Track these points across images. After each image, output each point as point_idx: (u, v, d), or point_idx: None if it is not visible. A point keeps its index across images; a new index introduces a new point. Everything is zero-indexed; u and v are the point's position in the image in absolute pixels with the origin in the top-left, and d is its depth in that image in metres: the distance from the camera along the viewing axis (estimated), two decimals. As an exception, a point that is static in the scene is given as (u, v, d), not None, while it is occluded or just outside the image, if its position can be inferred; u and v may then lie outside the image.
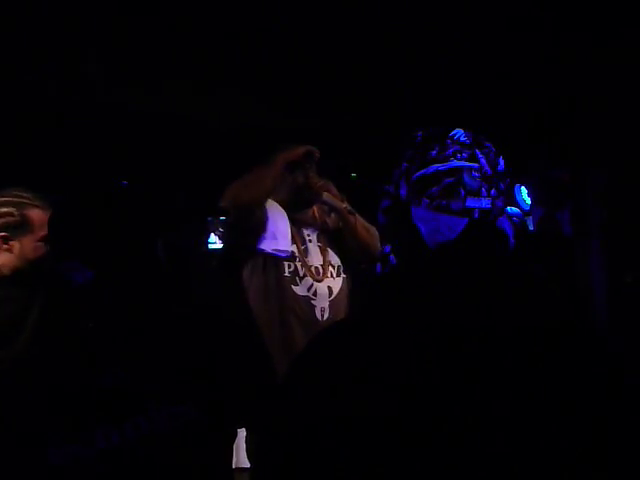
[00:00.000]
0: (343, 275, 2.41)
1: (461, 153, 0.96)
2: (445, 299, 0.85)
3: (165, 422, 1.04)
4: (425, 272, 0.92)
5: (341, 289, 2.38)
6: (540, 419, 0.75)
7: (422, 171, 0.96)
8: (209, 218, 3.12)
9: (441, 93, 3.61)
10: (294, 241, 2.36)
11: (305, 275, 2.34)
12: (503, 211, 0.98)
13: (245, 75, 3.80)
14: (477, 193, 0.95)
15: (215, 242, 3.21)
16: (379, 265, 1.04)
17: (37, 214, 1.68)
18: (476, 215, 0.94)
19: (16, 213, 1.68)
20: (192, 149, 4.22)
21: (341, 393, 0.79)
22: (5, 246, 1.67)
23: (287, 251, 2.31)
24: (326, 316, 2.33)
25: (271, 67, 3.71)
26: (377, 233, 2.33)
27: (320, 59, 3.72)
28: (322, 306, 2.34)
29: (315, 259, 2.39)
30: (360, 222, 2.39)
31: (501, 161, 0.99)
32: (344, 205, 2.37)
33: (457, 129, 1.00)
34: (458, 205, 0.94)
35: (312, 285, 2.34)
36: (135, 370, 1.07)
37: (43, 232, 1.64)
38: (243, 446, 2.82)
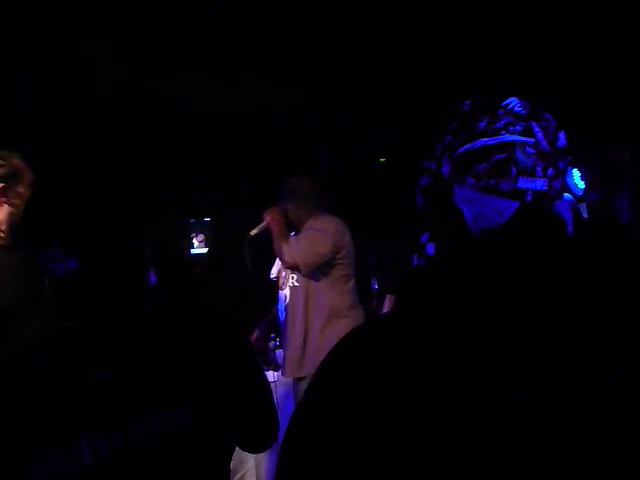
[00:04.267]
0: (295, 284, 3.35)
1: (514, 126, 0.94)
2: (491, 296, 0.83)
3: (158, 429, 1.04)
4: (467, 263, 0.90)
5: (291, 295, 3.36)
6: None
7: (468, 146, 0.94)
8: (192, 220, 3.17)
9: (483, 67, 3.58)
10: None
11: (279, 289, 3.50)
12: (561, 194, 0.96)
13: (264, 58, 3.80)
14: (531, 172, 0.92)
15: (200, 246, 3.22)
16: (415, 257, 1.02)
17: (18, 161, 1.90)
18: (529, 198, 0.92)
19: (4, 163, 1.86)
20: (182, 143, 4.24)
21: (368, 403, 0.78)
22: (3, 199, 1.84)
23: (273, 275, 3.63)
24: (283, 318, 3.42)
25: (294, 49, 3.72)
26: (283, 248, 3.25)
27: (346, 41, 3.71)
28: (281, 310, 3.45)
29: (283, 272, 3.47)
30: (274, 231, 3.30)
31: (562, 136, 0.97)
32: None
33: (511, 97, 0.97)
34: (509, 186, 0.92)
35: (279, 293, 3.49)
36: (124, 372, 1.07)
37: (30, 177, 1.86)
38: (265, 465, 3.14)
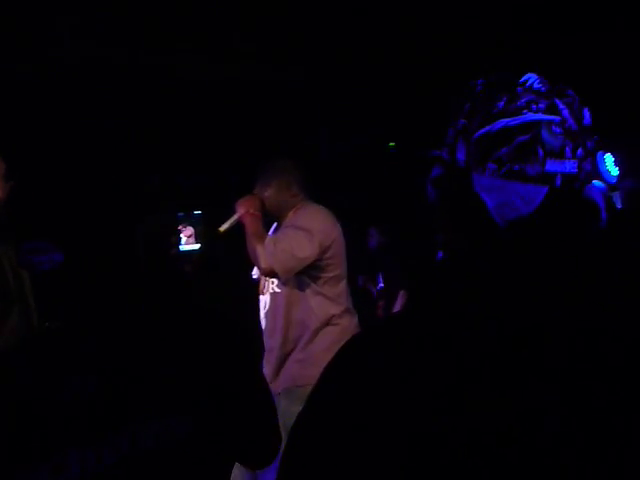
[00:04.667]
0: (276, 290, 2.99)
1: (537, 103, 0.88)
2: (521, 293, 0.79)
3: (152, 440, 1.00)
4: (493, 258, 0.85)
5: (271, 301, 3.01)
6: None
7: (486, 128, 0.89)
8: (180, 214, 2.97)
9: (500, 42, 3.49)
10: None
11: (259, 293, 3.14)
12: (591, 177, 0.91)
13: (260, 33, 3.72)
14: (560, 154, 0.87)
15: (189, 242, 3.02)
16: (440, 252, 0.97)
17: None
18: (558, 182, 0.87)
19: None
20: (172, 125, 4.10)
21: (379, 413, 0.74)
22: None
23: (253, 275, 3.18)
24: (264, 325, 3.06)
25: (293, 23, 3.64)
26: (258, 250, 2.86)
27: (354, 22, 3.64)
28: (262, 317, 3.08)
29: (262, 277, 3.11)
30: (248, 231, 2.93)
31: (586, 113, 0.91)
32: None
33: (529, 74, 0.91)
34: (535, 170, 0.86)
35: (259, 299, 3.13)
36: (113, 378, 1.02)
37: (2, 167, 1.78)
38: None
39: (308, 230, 2.84)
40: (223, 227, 2.92)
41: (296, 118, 4.35)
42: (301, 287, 2.92)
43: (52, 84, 3.71)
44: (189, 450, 1.03)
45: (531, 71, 0.92)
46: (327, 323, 2.90)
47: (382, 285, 5.03)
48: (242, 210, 2.91)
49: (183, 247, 2.86)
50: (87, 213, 1.06)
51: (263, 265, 2.83)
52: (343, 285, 3.00)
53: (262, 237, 2.88)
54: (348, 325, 2.93)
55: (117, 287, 1.09)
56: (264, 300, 3.07)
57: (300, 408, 0.81)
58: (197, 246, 2.91)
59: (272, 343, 2.97)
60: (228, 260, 3.08)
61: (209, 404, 1.07)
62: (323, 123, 4.26)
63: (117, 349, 1.06)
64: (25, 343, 1.10)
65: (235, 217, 2.92)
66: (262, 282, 3.11)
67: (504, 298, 0.79)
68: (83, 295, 1.05)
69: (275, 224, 3.10)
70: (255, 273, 3.16)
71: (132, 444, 0.99)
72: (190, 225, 2.92)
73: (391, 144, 4.24)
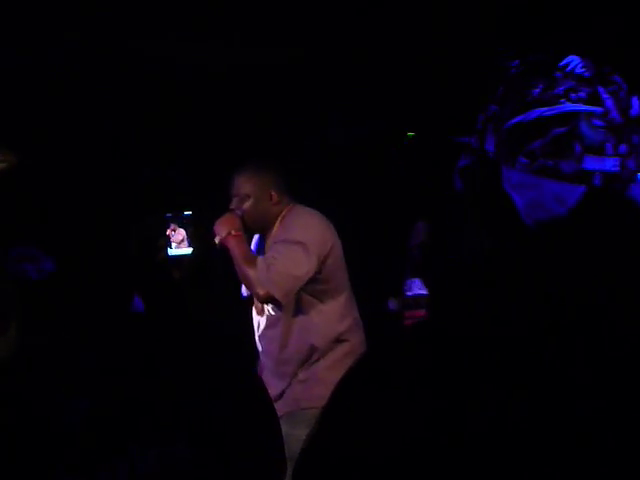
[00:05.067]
0: (270, 312, 2.79)
1: (577, 91, 0.84)
2: (552, 301, 0.74)
3: (153, 467, 0.95)
4: (521, 262, 0.82)
5: (265, 325, 2.83)
6: None
7: (519, 117, 0.85)
8: (168, 214, 2.82)
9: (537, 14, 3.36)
10: None
11: (256, 310, 2.94)
12: (635, 175, 0.86)
13: (259, 12, 3.62)
14: (599, 150, 0.83)
15: (180, 246, 2.87)
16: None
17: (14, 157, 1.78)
18: (597, 181, 0.83)
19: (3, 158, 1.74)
20: (164, 116, 3.99)
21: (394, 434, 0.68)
22: None
23: (243, 293, 2.96)
24: (260, 348, 2.88)
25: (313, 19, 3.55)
26: (250, 273, 2.66)
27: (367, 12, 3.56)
28: (256, 339, 2.91)
29: None
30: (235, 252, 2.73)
31: (635, 103, 0.86)
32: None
33: (571, 56, 0.87)
34: (571, 166, 0.83)
35: (253, 316, 2.94)
36: (109, 398, 0.97)
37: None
38: None
39: (302, 243, 2.63)
40: (217, 240, 2.73)
41: (300, 107, 4.26)
42: (301, 305, 2.74)
43: (37, 83, 3.61)
44: (191, 478, 0.98)
45: (575, 53, 0.88)
46: (334, 341, 2.73)
47: (420, 292, 4.62)
48: (223, 233, 2.70)
49: (173, 251, 2.74)
50: (68, 211, 1.00)
51: (260, 292, 2.61)
52: (347, 294, 2.81)
53: (252, 260, 2.66)
54: (354, 340, 2.75)
55: (105, 297, 1.04)
56: (257, 320, 2.90)
57: (304, 432, 0.76)
58: (189, 250, 2.77)
59: (270, 366, 2.82)
60: (224, 265, 2.87)
61: (210, 428, 1.02)
62: (332, 110, 4.17)
63: (108, 370, 1.00)
64: (9, 362, 1.04)
65: (218, 239, 2.75)
66: (256, 302, 2.91)
67: (516, 302, 0.76)
68: (69, 307, 1.00)
69: (256, 237, 2.91)
70: (245, 291, 2.95)
71: (131, 471, 0.94)
72: (180, 227, 2.79)
73: (410, 134, 4.15)
